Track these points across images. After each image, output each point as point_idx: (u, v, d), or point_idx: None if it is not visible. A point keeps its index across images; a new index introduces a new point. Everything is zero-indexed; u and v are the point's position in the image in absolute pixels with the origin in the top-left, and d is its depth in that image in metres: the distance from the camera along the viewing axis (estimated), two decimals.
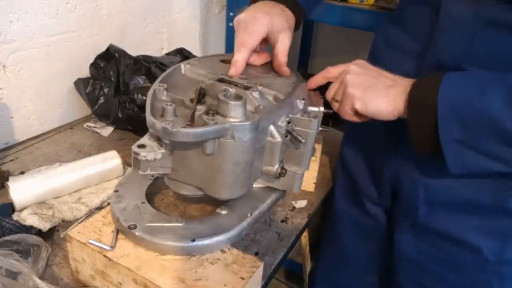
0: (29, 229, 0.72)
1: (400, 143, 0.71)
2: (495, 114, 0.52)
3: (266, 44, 0.76)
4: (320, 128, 0.76)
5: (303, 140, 0.70)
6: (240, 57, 0.70)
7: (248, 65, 0.76)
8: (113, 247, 0.63)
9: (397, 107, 0.60)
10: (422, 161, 0.69)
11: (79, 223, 0.75)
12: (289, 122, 0.69)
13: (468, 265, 0.70)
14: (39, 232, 0.73)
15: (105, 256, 0.62)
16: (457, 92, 0.55)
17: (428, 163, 0.68)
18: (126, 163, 0.92)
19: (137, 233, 0.64)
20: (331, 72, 0.69)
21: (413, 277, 0.78)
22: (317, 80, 0.72)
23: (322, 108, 0.72)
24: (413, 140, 0.60)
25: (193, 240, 0.64)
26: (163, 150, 0.62)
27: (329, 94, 0.68)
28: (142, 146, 0.61)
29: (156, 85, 0.66)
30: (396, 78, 0.62)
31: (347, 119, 0.66)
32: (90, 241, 0.63)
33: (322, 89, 0.73)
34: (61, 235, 0.75)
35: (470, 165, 0.57)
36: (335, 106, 0.67)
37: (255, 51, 0.75)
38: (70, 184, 0.84)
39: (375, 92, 0.61)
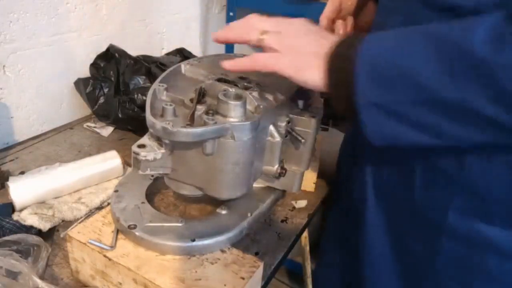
0: (29, 229, 0.72)
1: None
2: (417, 69, 0.46)
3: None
4: (320, 128, 0.76)
5: (303, 140, 0.70)
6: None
7: None
8: (113, 247, 0.63)
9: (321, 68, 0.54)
10: (370, 156, 0.66)
11: (79, 223, 0.75)
12: (289, 122, 0.69)
13: (409, 269, 0.66)
14: (39, 232, 0.73)
15: (105, 256, 0.62)
16: (377, 50, 0.49)
17: (375, 158, 0.65)
18: (126, 163, 0.92)
19: (137, 233, 0.64)
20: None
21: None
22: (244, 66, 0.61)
23: (322, 108, 0.72)
24: (334, 102, 0.54)
25: (193, 240, 0.64)
26: (163, 150, 0.62)
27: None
28: (142, 146, 0.61)
29: (156, 85, 0.66)
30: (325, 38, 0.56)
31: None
32: (90, 241, 0.63)
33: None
34: (61, 235, 0.75)
35: (390, 134, 0.50)
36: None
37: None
38: (70, 184, 0.84)
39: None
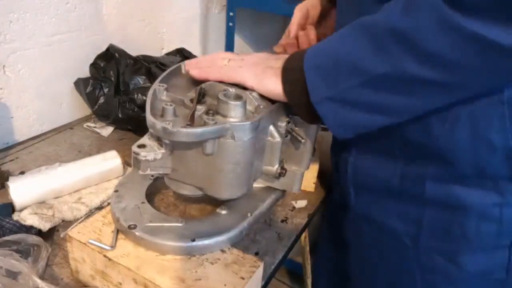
0: (29, 229, 0.72)
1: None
2: (353, 55, 0.51)
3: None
4: (320, 128, 0.76)
5: (303, 140, 0.70)
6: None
7: None
8: (113, 247, 0.63)
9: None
10: (349, 142, 0.68)
11: (79, 223, 0.75)
12: (289, 122, 0.69)
13: (392, 252, 0.68)
14: (39, 232, 0.73)
15: (105, 256, 0.62)
16: (320, 50, 0.55)
17: (353, 143, 0.67)
18: (126, 163, 0.92)
19: (137, 233, 0.64)
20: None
21: (355, 263, 0.78)
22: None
23: None
24: (296, 111, 0.60)
25: (193, 240, 0.64)
26: (163, 150, 0.62)
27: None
28: (142, 146, 0.61)
29: (156, 85, 0.66)
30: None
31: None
32: (90, 241, 0.63)
33: None
34: (61, 235, 0.75)
35: (350, 123, 0.55)
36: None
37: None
38: (70, 184, 0.84)
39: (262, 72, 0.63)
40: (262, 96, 0.67)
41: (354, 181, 0.70)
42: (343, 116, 0.54)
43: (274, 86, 0.60)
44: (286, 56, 0.61)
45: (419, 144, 0.59)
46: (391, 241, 0.67)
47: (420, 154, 0.60)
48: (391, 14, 0.48)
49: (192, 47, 1.48)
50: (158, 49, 1.46)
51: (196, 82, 0.68)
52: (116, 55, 1.12)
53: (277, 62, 0.61)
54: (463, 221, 0.59)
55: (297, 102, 0.59)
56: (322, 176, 0.93)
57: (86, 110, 1.19)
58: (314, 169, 0.88)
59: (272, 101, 0.65)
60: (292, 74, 0.58)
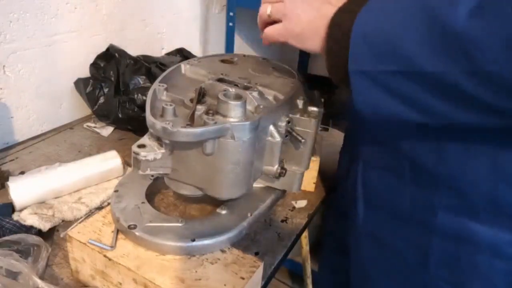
0: (29, 229, 0.72)
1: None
2: (407, 43, 0.45)
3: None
4: (320, 128, 0.76)
5: (303, 140, 0.70)
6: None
7: (248, 64, 0.75)
8: (113, 247, 0.63)
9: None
10: (357, 153, 0.66)
11: (79, 223, 0.75)
12: (289, 122, 0.69)
13: (397, 272, 0.65)
14: (39, 232, 0.73)
15: (105, 256, 0.62)
16: (374, 17, 0.48)
17: (360, 155, 0.65)
18: (126, 163, 0.92)
19: (137, 233, 0.64)
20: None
21: (356, 276, 0.74)
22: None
23: (322, 108, 0.72)
24: (330, 70, 0.55)
25: (193, 240, 0.64)
26: (163, 150, 0.62)
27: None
28: (142, 146, 0.61)
29: (156, 85, 0.66)
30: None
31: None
32: (90, 241, 0.63)
33: (322, 89, 0.73)
34: (61, 235, 0.75)
35: (376, 103, 0.50)
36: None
37: None
38: (70, 184, 0.84)
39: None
40: (262, 96, 0.67)
41: (364, 197, 0.67)
42: (373, 95, 0.50)
43: (315, 46, 0.56)
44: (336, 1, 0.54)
45: (430, 169, 0.56)
46: (397, 262, 0.64)
47: (431, 180, 0.56)
48: (459, 13, 0.41)
49: (192, 47, 1.48)
50: (158, 49, 1.46)
51: (196, 82, 0.68)
52: (116, 55, 1.12)
53: (324, 13, 0.54)
54: (474, 255, 0.56)
55: (334, 63, 0.53)
56: (322, 176, 0.93)
57: (86, 110, 1.19)
58: (314, 169, 0.88)
59: None
60: (337, 34, 0.52)
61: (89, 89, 1.08)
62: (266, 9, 0.61)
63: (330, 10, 0.54)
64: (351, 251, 0.74)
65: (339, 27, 0.52)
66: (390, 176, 0.62)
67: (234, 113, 0.60)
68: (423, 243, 0.60)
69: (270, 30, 0.61)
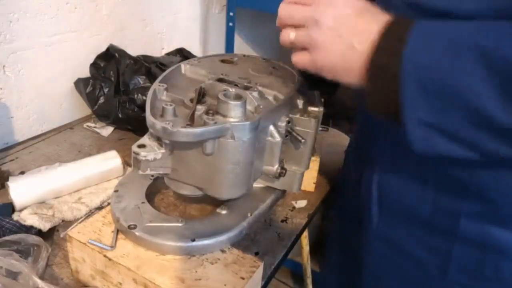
0: (29, 229, 0.72)
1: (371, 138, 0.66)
2: (472, 93, 0.42)
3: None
4: (320, 128, 0.76)
5: (303, 140, 0.70)
6: None
7: (248, 64, 0.75)
8: (113, 247, 0.63)
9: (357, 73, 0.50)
10: (373, 159, 0.65)
11: (79, 223, 0.75)
12: (289, 122, 0.69)
13: (415, 279, 0.64)
14: (39, 232, 0.73)
15: (105, 256, 0.62)
16: (423, 56, 0.44)
17: (377, 161, 0.64)
18: (126, 163, 0.92)
19: (137, 233, 0.64)
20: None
21: (368, 282, 0.73)
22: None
23: (322, 108, 0.72)
24: (370, 106, 0.50)
25: (193, 240, 0.64)
26: (163, 150, 0.62)
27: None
28: (142, 146, 0.61)
29: (156, 85, 0.66)
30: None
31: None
32: (90, 241, 0.63)
33: (322, 88, 0.73)
34: (61, 235, 0.75)
35: (434, 146, 0.47)
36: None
37: None
38: (70, 184, 0.84)
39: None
40: (262, 96, 0.67)
41: (379, 202, 0.65)
42: (436, 144, 0.46)
43: (352, 78, 0.50)
44: (376, 26, 0.47)
45: (456, 177, 0.54)
46: (415, 268, 0.63)
47: (457, 187, 0.55)
48: None
49: (192, 47, 1.48)
50: (158, 49, 1.46)
51: (196, 82, 0.68)
52: (116, 55, 1.12)
53: (361, 41, 0.48)
54: (498, 262, 0.56)
55: (377, 97, 0.48)
56: (322, 176, 0.93)
57: (86, 110, 1.19)
58: (314, 169, 0.88)
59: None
60: (382, 74, 0.47)
61: (89, 89, 1.08)
62: (288, 35, 0.54)
63: (362, 44, 0.48)
64: (364, 255, 0.72)
65: (384, 71, 0.46)
66: (411, 182, 0.60)
67: (234, 113, 0.60)
68: (444, 249, 0.59)
69: (298, 59, 0.54)
